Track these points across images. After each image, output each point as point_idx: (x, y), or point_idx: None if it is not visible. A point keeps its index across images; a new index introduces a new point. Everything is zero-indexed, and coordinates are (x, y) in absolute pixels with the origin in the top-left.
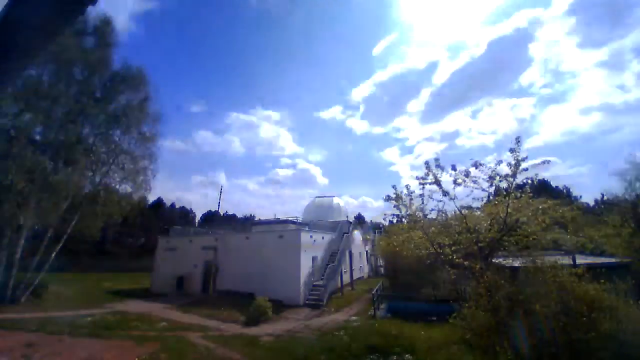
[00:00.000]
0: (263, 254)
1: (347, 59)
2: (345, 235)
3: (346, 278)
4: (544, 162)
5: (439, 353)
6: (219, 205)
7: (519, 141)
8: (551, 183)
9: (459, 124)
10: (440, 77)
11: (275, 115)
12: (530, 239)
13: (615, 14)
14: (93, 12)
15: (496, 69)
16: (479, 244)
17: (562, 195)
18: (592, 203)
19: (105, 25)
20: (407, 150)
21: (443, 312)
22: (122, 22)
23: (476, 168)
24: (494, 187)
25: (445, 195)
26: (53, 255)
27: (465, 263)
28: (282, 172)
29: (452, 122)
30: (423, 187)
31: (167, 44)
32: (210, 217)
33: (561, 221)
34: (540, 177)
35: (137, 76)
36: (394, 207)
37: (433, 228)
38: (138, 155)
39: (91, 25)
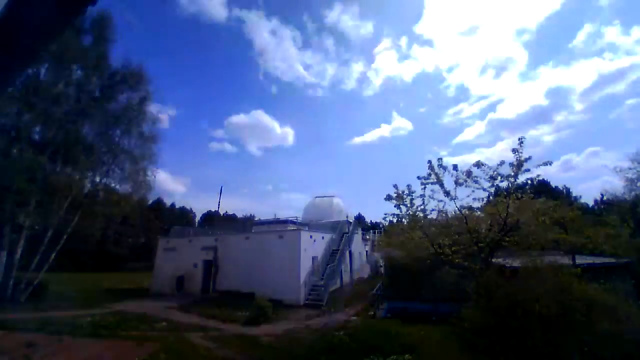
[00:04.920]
0: (263, 254)
1: None
2: (345, 235)
3: (346, 278)
4: (545, 164)
5: (438, 353)
6: (218, 206)
7: (521, 142)
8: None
9: None
10: None
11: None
12: (530, 239)
13: None
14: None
15: None
16: (479, 245)
17: (562, 196)
18: (591, 203)
19: (103, 20)
20: None
21: (443, 313)
22: None
23: (478, 168)
24: (494, 188)
25: (447, 196)
26: (53, 255)
27: (466, 263)
28: None
29: None
30: (424, 187)
31: None
32: (210, 217)
33: (561, 221)
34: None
35: (137, 74)
36: (395, 206)
37: (433, 228)
38: (138, 155)
39: (89, 21)
